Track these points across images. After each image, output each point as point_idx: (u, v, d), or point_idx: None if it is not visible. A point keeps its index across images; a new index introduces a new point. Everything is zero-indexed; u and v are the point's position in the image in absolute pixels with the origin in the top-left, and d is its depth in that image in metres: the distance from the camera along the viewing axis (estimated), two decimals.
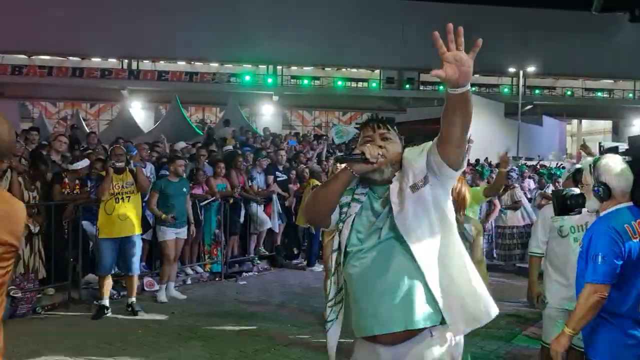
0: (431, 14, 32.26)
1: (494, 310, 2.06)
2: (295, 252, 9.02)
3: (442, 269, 1.99)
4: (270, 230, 8.64)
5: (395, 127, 2.23)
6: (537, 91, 36.22)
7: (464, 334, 2.05)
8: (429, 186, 2.02)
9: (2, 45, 31.36)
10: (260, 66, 34.90)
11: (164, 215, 6.32)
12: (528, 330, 5.59)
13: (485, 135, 23.63)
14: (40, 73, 32.53)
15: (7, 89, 31.99)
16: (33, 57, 33.49)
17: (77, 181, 6.46)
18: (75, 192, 6.43)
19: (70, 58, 33.73)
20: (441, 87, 35.54)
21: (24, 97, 32.41)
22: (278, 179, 8.85)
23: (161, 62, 34.48)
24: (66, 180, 6.43)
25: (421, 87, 36.02)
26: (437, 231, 2.02)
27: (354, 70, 36.25)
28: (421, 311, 1.95)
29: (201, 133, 16.74)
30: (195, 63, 34.77)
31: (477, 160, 17.06)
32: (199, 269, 7.77)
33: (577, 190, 3.08)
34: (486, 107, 26.16)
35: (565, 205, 3.15)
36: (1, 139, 1.68)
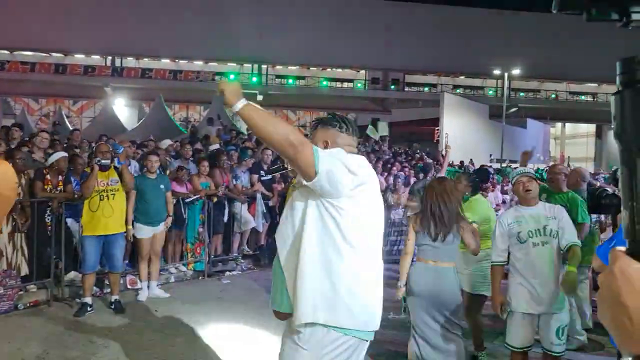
0: (416, 15, 32.50)
1: (351, 322, 2.14)
2: None
3: (297, 267, 2.13)
4: (254, 230, 8.65)
5: (330, 125, 2.30)
6: (521, 94, 36.68)
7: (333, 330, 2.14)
8: (299, 192, 2.19)
9: None
10: (244, 65, 34.86)
11: (129, 227, 6.25)
12: None
13: (470, 136, 23.89)
14: (23, 69, 32.16)
15: None
16: (15, 52, 33.06)
17: (59, 177, 6.42)
18: (58, 188, 6.39)
19: (53, 54, 33.37)
20: (426, 89, 35.88)
21: (6, 93, 31.96)
22: (262, 179, 8.85)
23: (145, 59, 34.27)
24: (48, 177, 6.38)
25: (406, 88, 36.27)
26: (298, 232, 2.15)
27: (339, 70, 36.35)
28: (285, 298, 2.20)
29: (185, 131, 16.68)
30: (180, 61, 34.61)
31: (462, 162, 17.21)
32: (183, 268, 7.75)
33: (611, 190, 3.09)
34: (471, 109, 26.45)
35: (599, 203, 3.18)
36: None
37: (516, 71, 29.33)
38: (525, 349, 3.69)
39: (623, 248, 0.70)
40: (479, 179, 5.87)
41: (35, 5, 29.51)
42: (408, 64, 33.58)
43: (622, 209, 0.73)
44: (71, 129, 14.21)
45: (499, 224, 3.83)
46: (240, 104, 2.13)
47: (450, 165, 10.92)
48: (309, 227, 2.12)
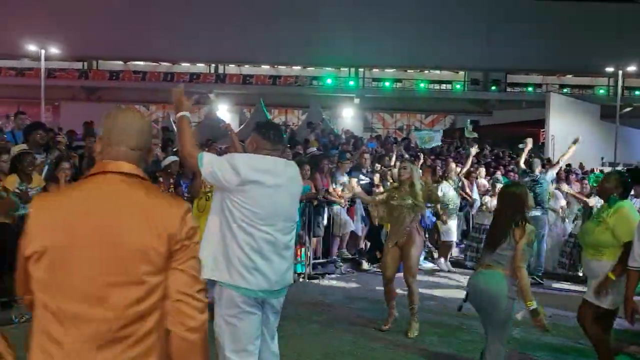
0: (519, 11, 31.12)
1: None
2: (378, 256, 8.93)
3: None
4: (353, 233, 8.63)
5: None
6: (637, 92, 33.93)
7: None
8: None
9: (100, 52, 33.55)
10: (341, 69, 35.12)
11: None
12: (630, 348, 5.22)
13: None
14: (135, 78, 34.47)
15: (104, 94, 34.12)
16: (128, 63, 35.50)
17: (171, 181, 6.74)
18: (170, 191, 6.71)
19: (162, 63, 35.46)
20: (530, 89, 34.24)
21: (120, 100, 34.30)
22: (361, 182, 8.81)
23: (246, 66, 35.51)
24: (160, 179, 6.72)
25: (508, 89, 34.79)
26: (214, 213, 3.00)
27: (437, 72, 35.62)
28: None
29: (284, 135, 17.06)
30: (279, 67, 35.51)
31: (569, 165, 16.21)
32: None
33: None
34: (579, 109, 24.81)
35: None
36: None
37: (632, 68, 27.16)
38: None
39: None
40: (635, 180, 5.21)
41: (146, 19, 31.58)
42: (510, 63, 32.23)
43: None
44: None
45: (637, 229, 3.65)
46: (182, 114, 3.11)
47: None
48: (213, 211, 3.01)
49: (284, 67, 35.33)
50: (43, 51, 25.96)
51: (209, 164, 2.89)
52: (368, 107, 34.63)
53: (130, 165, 1.71)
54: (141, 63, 35.38)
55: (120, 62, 35.51)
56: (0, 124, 9.41)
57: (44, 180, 5.90)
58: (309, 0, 32.03)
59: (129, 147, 1.73)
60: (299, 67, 35.05)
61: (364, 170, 8.98)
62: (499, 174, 10.35)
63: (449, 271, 8.70)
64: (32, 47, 26.64)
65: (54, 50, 26.76)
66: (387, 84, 34.74)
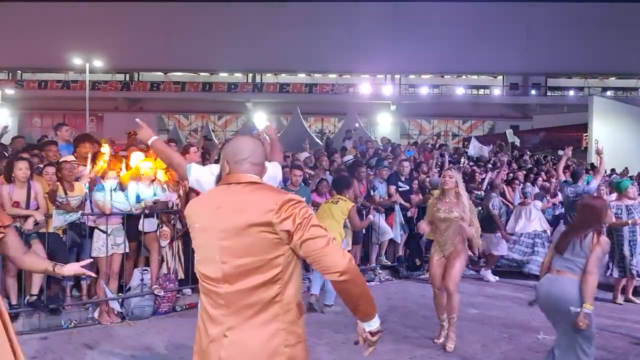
0: (559, 13, 30.53)
1: None
2: (418, 263, 8.87)
3: None
4: (392, 241, 8.59)
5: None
6: None
7: None
8: None
9: (141, 64, 34.42)
10: (378, 76, 35.07)
11: None
12: None
13: (623, 143, 21.78)
14: (175, 88, 35.23)
15: (146, 104, 34.97)
16: (168, 74, 36.30)
17: None
18: None
19: (201, 74, 36.13)
20: (571, 93, 33.47)
21: (161, 110, 35.17)
22: (400, 189, 8.78)
23: (283, 75, 35.85)
24: None
25: (549, 93, 34.10)
26: None
27: (475, 77, 35.20)
28: None
29: (321, 143, 17.10)
30: (315, 75, 35.71)
31: (613, 170, 15.76)
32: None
33: None
34: (624, 112, 24.10)
35: None
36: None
37: None
38: None
39: None
40: None
41: (185, 31, 32.27)
42: (551, 66, 31.62)
43: None
44: (217, 142, 15.20)
45: None
46: (152, 140, 3.36)
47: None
48: None
49: (320, 75, 35.50)
50: (87, 64, 26.83)
51: (195, 173, 3.34)
52: (405, 113, 34.47)
53: (251, 175, 2.20)
54: (180, 74, 36.12)
55: (161, 73, 36.34)
56: (50, 136, 9.72)
57: (95, 189, 6.09)
58: (345, 8, 32.18)
59: (251, 162, 2.21)
60: (335, 75, 35.16)
61: (402, 178, 8.93)
62: (529, 186, 10.07)
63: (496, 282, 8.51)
64: (77, 61, 27.58)
65: (98, 63, 27.64)
66: (424, 90, 34.51)
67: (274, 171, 3.23)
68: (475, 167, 10.52)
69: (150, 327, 5.77)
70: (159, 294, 6.11)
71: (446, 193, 5.23)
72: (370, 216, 7.57)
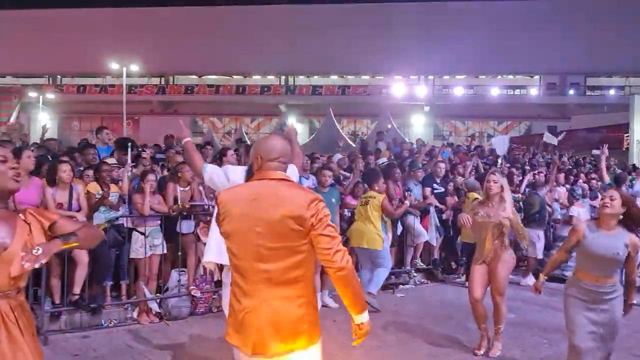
0: (599, 11, 29.77)
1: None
2: (454, 266, 8.75)
3: None
4: (427, 243, 8.50)
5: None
6: None
7: None
8: None
9: (176, 68, 34.98)
10: (411, 77, 34.81)
11: None
12: None
13: None
14: (209, 91, 35.68)
15: (180, 107, 35.51)
16: (203, 77, 36.79)
17: None
18: None
19: (234, 77, 36.51)
20: (612, 92, 32.58)
21: (195, 113, 35.66)
22: (435, 191, 8.68)
23: (315, 77, 35.93)
24: None
25: (587, 92, 33.27)
26: None
27: (511, 77, 34.62)
28: None
29: (353, 145, 17.05)
30: (348, 76, 35.68)
31: None
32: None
33: None
34: None
35: None
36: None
37: None
38: None
39: None
40: None
41: (219, 35, 32.66)
42: (590, 65, 30.87)
43: None
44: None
45: None
46: (186, 140, 4.13)
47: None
48: None
49: (352, 76, 35.45)
50: (124, 69, 27.41)
51: (209, 173, 4.03)
52: (439, 114, 34.12)
53: (281, 173, 2.59)
54: (214, 77, 36.56)
55: (195, 77, 36.86)
56: (90, 140, 9.96)
57: (134, 191, 6.22)
58: (378, 9, 32.08)
59: (281, 161, 2.60)
60: (367, 77, 35.06)
61: (438, 180, 8.83)
62: (579, 185, 9.84)
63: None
64: (114, 65, 28.22)
65: (134, 67, 28.21)
66: (458, 90, 34.11)
67: (290, 172, 3.36)
68: (513, 169, 10.32)
69: (187, 328, 5.84)
70: (196, 295, 6.18)
71: (490, 198, 5.09)
72: (407, 202, 7.55)
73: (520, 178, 9.87)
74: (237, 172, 4.05)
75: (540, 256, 8.43)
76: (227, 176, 3.99)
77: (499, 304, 5.12)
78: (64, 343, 5.31)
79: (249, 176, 3.14)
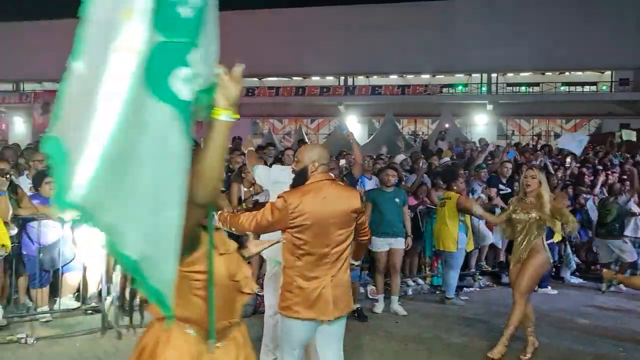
0: None
1: None
2: None
3: None
4: (493, 246, 8.30)
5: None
6: None
7: None
8: None
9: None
10: (473, 75, 34.04)
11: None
12: None
13: None
14: (269, 93, 36.15)
15: (242, 109, 35.93)
16: (263, 79, 37.35)
17: None
18: None
19: (294, 78, 36.87)
20: None
21: (256, 115, 36.24)
22: (501, 192, 8.45)
23: (374, 77, 35.75)
24: None
25: None
26: None
27: (579, 73, 33.23)
28: None
29: (414, 145, 16.85)
30: (407, 76, 35.29)
31: None
32: (420, 281, 7.77)
33: None
34: None
35: None
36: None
37: None
38: None
39: None
40: None
41: (278, 37, 33.08)
42: None
43: None
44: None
45: None
46: (249, 149, 4.88)
47: None
48: None
49: (412, 75, 35.02)
50: None
51: (257, 173, 4.54)
52: (502, 113, 33.18)
53: (330, 174, 3.39)
54: (274, 79, 37.04)
55: (256, 79, 37.45)
56: None
57: None
58: (437, 7, 31.58)
59: (328, 165, 3.37)
60: (428, 76, 34.54)
61: (504, 180, 8.60)
62: None
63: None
64: None
65: None
66: (522, 88, 33.08)
67: None
68: (583, 169, 9.90)
69: (251, 326, 5.92)
70: (260, 293, 6.26)
71: (528, 194, 4.91)
72: (482, 195, 7.47)
73: (592, 178, 9.46)
74: (284, 172, 4.26)
75: (634, 258, 8.10)
76: (270, 175, 4.43)
77: (515, 302, 4.90)
78: (136, 338, 5.50)
79: (301, 177, 3.33)
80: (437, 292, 7.60)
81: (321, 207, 3.14)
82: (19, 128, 35.32)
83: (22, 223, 5.37)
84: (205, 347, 1.89)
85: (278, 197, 3.28)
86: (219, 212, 3.42)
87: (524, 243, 4.89)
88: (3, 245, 4.79)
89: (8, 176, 5.08)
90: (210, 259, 1.85)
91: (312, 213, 3.14)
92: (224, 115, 1.65)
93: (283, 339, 3.38)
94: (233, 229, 3.45)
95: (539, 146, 14.88)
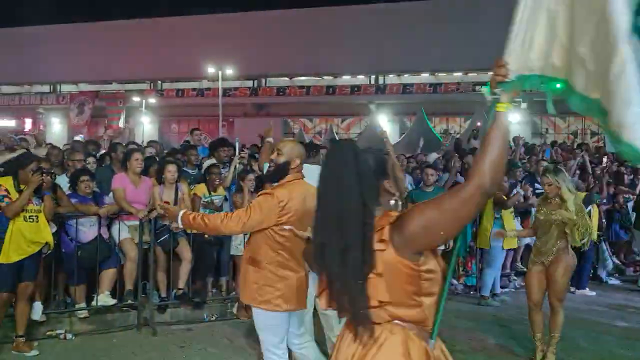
0: None
1: None
2: None
3: None
4: (527, 246, 8.13)
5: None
6: None
7: None
8: None
9: (268, 70, 35.85)
10: None
11: None
12: None
13: None
14: (299, 92, 36.22)
15: (272, 109, 36.34)
16: (294, 79, 37.46)
17: None
18: None
19: (324, 77, 36.86)
20: None
21: (286, 115, 36.37)
22: (537, 191, 8.27)
23: (405, 75, 35.48)
24: None
25: None
26: None
27: None
28: None
29: (447, 144, 16.63)
30: (439, 74, 34.92)
31: None
32: (454, 281, 7.67)
33: None
34: None
35: None
36: None
37: None
38: None
39: None
40: None
41: (309, 36, 33.14)
42: None
43: None
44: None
45: None
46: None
47: None
48: None
49: (444, 74, 34.64)
50: (220, 72, 28.47)
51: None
52: (537, 111, 32.55)
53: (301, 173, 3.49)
54: (305, 78, 37.09)
55: (286, 79, 37.59)
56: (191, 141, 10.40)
57: (234, 192, 6.44)
58: (466, 2, 31.16)
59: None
60: (460, 73, 34.12)
61: (539, 179, 8.41)
62: None
63: None
64: (211, 69, 29.40)
65: (229, 71, 29.21)
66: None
67: (313, 171, 4.11)
68: (621, 168, 9.62)
69: None
70: None
71: (550, 197, 4.85)
72: (520, 191, 7.37)
73: (632, 177, 9.20)
74: (312, 170, 4.28)
75: None
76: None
77: (557, 309, 4.80)
78: (170, 335, 5.59)
79: (281, 172, 3.42)
80: (472, 292, 7.50)
81: (303, 206, 3.26)
82: (56, 128, 36.29)
83: (61, 221, 5.48)
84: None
85: (265, 194, 3.31)
86: (189, 217, 3.28)
87: (548, 245, 4.78)
88: (47, 243, 4.90)
89: (53, 175, 5.20)
90: (453, 258, 2.04)
91: (297, 211, 3.27)
92: (507, 109, 1.84)
93: (265, 334, 3.40)
94: (213, 233, 3.55)
95: (575, 145, 14.55)
